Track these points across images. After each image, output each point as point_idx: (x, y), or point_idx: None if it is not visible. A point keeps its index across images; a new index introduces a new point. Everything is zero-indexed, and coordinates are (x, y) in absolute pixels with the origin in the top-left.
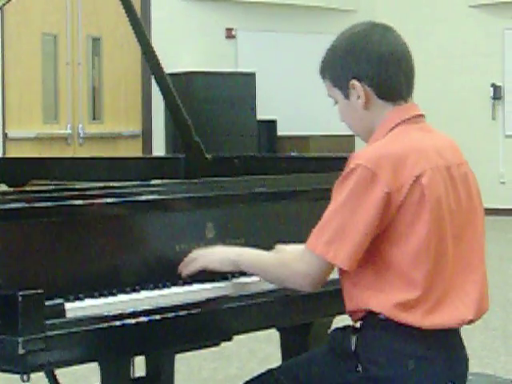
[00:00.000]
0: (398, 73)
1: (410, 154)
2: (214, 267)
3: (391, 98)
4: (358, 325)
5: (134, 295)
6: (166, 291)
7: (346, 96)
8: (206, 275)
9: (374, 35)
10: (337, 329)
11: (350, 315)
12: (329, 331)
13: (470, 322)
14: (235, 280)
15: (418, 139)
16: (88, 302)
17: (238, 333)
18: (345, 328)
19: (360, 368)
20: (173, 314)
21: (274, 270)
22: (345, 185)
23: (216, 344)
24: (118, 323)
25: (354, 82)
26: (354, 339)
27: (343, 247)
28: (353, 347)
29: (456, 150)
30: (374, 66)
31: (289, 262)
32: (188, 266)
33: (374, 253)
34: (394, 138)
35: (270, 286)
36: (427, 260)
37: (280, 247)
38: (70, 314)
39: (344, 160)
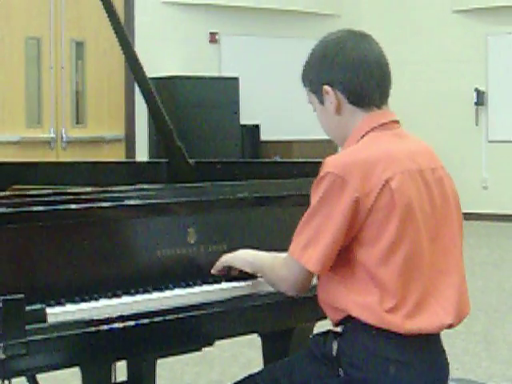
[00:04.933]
0: (369, 80)
1: (380, 159)
2: (241, 266)
3: (362, 104)
4: (338, 329)
5: (115, 300)
6: (147, 296)
7: (321, 101)
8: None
9: (348, 42)
10: (317, 334)
11: (329, 315)
12: (310, 337)
13: (450, 326)
14: (216, 285)
15: (389, 145)
16: (69, 307)
17: (220, 338)
18: (326, 333)
19: (341, 372)
20: (155, 319)
21: (268, 274)
22: (317, 192)
23: (198, 349)
24: (99, 328)
25: (327, 88)
26: (335, 343)
27: (315, 252)
28: (334, 352)
29: (431, 154)
30: (345, 72)
31: (276, 267)
32: (215, 265)
33: (346, 254)
34: (364, 144)
35: (252, 291)
36: (395, 262)
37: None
38: (51, 319)
39: None
